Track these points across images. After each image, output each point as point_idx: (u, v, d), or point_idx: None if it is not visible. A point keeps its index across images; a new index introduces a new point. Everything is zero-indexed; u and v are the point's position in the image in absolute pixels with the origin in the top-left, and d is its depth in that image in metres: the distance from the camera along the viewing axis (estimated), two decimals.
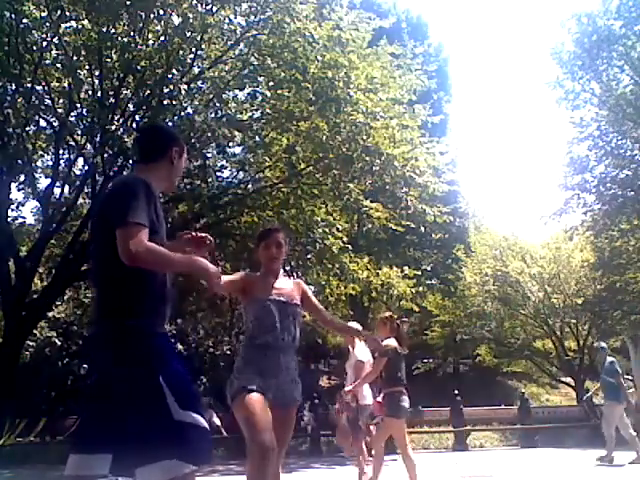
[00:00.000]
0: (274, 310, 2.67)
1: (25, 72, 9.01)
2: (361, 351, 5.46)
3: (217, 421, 10.89)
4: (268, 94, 9.60)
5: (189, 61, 9.36)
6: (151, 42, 9.19)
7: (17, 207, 10.76)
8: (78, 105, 9.63)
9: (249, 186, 11.11)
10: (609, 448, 7.84)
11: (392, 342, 4.84)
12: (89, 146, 10.00)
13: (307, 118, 9.40)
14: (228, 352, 18.47)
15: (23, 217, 11.26)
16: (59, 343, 14.92)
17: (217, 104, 9.56)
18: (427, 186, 9.75)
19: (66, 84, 9.37)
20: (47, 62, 9.12)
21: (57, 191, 10.52)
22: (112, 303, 1.99)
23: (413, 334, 22.39)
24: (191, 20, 8.46)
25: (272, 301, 2.69)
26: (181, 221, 11.09)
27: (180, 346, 18.39)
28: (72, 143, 10.18)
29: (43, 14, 8.46)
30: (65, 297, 13.67)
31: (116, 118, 9.17)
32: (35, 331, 12.78)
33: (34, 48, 8.92)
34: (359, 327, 4.26)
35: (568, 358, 18.56)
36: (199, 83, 9.89)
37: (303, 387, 2.81)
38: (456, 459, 8.59)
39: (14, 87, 8.90)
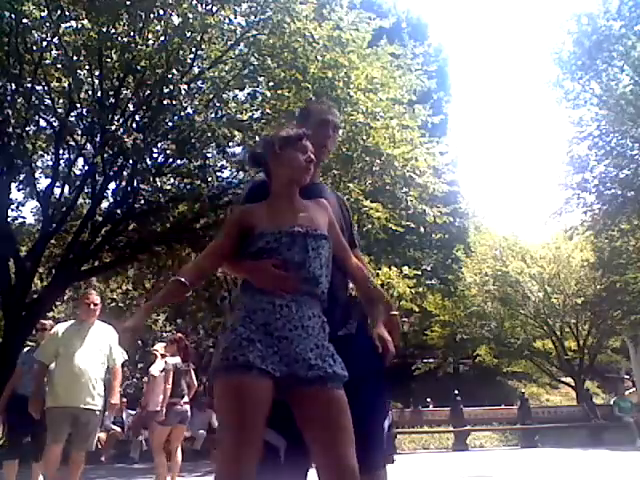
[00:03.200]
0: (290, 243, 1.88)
1: (25, 72, 9.00)
2: (157, 366, 6.17)
3: (216, 422, 10.87)
4: (268, 94, 9.58)
5: (189, 61, 9.36)
6: (151, 42, 9.18)
7: (17, 207, 10.75)
8: (78, 105, 9.62)
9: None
10: None
11: (175, 359, 5.83)
12: (89, 146, 10.00)
13: None
14: None
15: (23, 217, 11.25)
16: None
17: (217, 104, 9.56)
18: (427, 186, 9.74)
19: (66, 84, 9.37)
20: (47, 62, 9.11)
21: (57, 191, 10.52)
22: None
23: (413, 334, 22.40)
24: (191, 20, 8.45)
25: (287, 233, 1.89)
26: (181, 221, 11.10)
27: None
28: (72, 143, 10.18)
29: (43, 14, 8.46)
30: (65, 297, 13.66)
31: (116, 118, 9.16)
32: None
33: (34, 48, 8.91)
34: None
35: (568, 358, 18.55)
36: (199, 83, 9.89)
37: None
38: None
39: (14, 87, 8.89)
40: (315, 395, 1.73)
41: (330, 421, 1.72)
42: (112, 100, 9.48)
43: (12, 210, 10.47)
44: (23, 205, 11.05)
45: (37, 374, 4.64)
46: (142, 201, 10.53)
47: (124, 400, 11.38)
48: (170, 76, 8.92)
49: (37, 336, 5.65)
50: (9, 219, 10.25)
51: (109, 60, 9.16)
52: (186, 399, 5.96)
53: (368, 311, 2.13)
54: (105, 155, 9.65)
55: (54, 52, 8.98)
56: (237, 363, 1.69)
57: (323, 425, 1.72)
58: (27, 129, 9.31)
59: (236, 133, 9.74)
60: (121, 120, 9.24)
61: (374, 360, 2.05)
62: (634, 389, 18.76)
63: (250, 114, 10.37)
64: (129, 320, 1.85)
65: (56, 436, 4.26)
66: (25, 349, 5.71)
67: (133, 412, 11.27)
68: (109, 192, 10.74)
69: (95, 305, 4.56)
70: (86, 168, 10.40)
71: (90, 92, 9.54)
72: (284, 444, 1.89)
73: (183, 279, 1.83)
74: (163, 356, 6.24)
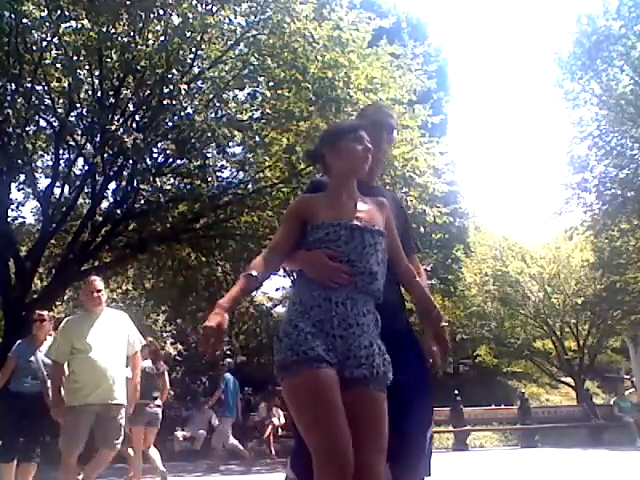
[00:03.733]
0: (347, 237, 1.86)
1: (25, 72, 8.99)
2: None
3: (217, 422, 10.88)
4: (268, 94, 9.58)
5: (189, 61, 9.35)
6: (151, 42, 9.17)
7: (17, 207, 10.73)
8: (78, 105, 9.62)
9: (249, 186, 11.10)
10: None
11: (146, 363, 6.10)
12: (89, 146, 9.99)
13: (307, 118, 9.39)
14: (228, 352, 18.45)
15: (23, 217, 11.22)
16: None
17: (217, 104, 9.55)
18: (427, 186, 9.74)
19: (66, 84, 9.36)
20: (47, 62, 9.10)
21: (57, 191, 10.51)
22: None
23: None
24: (191, 20, 8.44)
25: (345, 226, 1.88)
26: (181, 221, 11.09)
27: (180, 346, 18.42)
28: (72, 143, 10.17)
29: (43, 14, 8.45)
30: (65, 297, 13.66)
31: (116, 118, 9.15)
32: None
33: (34, 48, 8.90)
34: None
35: (568, 358, 18.56)
36: (199, 83, 9.88)
37: None
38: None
39: (14, 87, 8.88)
40: (355, 394, 1.73)
41: (363, 422, 1.71)
42: (112, 100, 9.47)
43: (12, 210, 10.46)
44: (23, 205, 11.06)
45: (55, 375, 4.25)
46: (142, 201, 10.51)
47: None
48: (170, 76, 8.92)
49: (34, 327, 5.19)
50: (9, 219, 10.24)
51: (109, 60, 9.15)
52: (158, 402, 6.26)
53: (420, 320, 2.11)
54: (105, 155, 9.63)
55: (54, 52, 8.96)
56: (308, 357, 1.69)
57: (356, 424, 1.70)
58: (27, 129, 9.30)
59: (236, 133, 9.73)
60: (121, 120, 9.23)
61: (422, 362, 2.05)
62: (634, 389, 18.75)
63: (250, 114, 10.36)
64: (208, 320, 1.77)
65: (75, 442, 3.95)
66: (18, 341, 5.26)
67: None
68: (109, 192, 10.75)
69: (99, 292, 4.25)
70: (86, 168, 10.39)
71: (90, 92, 9.53)
72: None
73: (254, 273, 1.84)
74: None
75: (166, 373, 6.60)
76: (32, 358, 4.98)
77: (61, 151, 10.23)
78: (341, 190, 1.95)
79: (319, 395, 1.67)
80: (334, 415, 1.65)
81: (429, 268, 17.87)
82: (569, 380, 19.50)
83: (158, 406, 6.22)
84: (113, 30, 8.69)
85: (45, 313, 5.31)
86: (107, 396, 4.00)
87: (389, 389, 1.80)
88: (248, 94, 10.18)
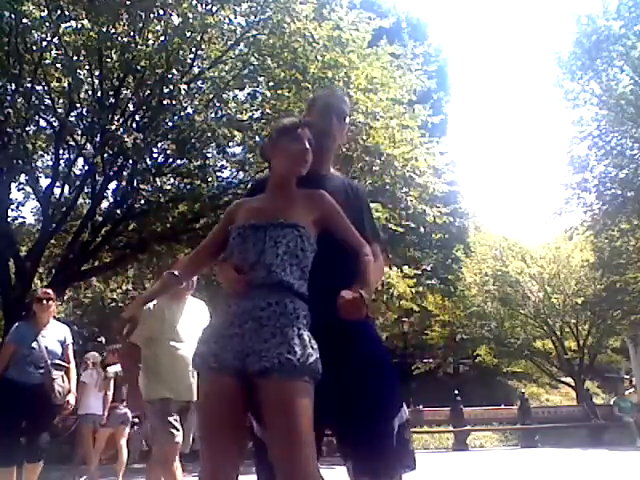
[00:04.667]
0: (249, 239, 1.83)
1: (25, 72, 9.00)
2: (88, 373, 6.88)
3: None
4: (268, 94, 9.59)
5: (189, 61, 9.36)
6: (151, 42, 9.18)
7: (17, 207, 10.74)
8: (78, 105, 9.62)
9: (249, 186, 11.09)
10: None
11: (116, 367, 6.37)
12: (89, 146, 9.99)
13: None
14: None
15: (23, 217, 11.24)
16: None
17: (217, 104, 9.56)
18: (427, 186, 9.74)
19: (66, 84, 9.36)
20: (47, 62, 9.10)
21: (57, 191, 10.51)
22: None
23: (413, 334, 22.40)
24: (191, 20, 8.45)
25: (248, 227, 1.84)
26: (181, 221, 11.10)
27: None
28: (72, 143, 10.17)
29: (43, 14, 8.45)
30: (65, 297, 13.65)
31: (116, 118, 9.16)
32: None
33: (34, 48, 8.90)
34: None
35: (568, 358, 18.56)
36: (199, 83, 9.89)
37: None
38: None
39: (14, 87, 8.89)
40: (264, 387, 1.66)
41: (273, 413, 1.65)
42: (112, 100, 9.47)
43: (12, 210, 10.46)
44: (23, 205, 11.07)
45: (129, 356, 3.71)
46: (142, 201, 10.52)
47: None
48: (170, 76, 8.92)
49: (37, 308, 4.60)
50: (9, 219, 10.24)
51: (109, 60, 9.15)
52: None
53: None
54: (105, 155, 9.64)
55: (54, 52, 8.96)
56: (194, 365, 1.82)
57: (268, 417, 1.66)
58: (27, 129, 9.30)
59: (236, 133, 9.73)
60: (121, 120, 9.23)
61: (380, 352, 1.97)
62: (634, 389, 18.77)
63: (250, 114, 10.36)
64: (125, 311, 1.95)
65: (174, 431, 3.39)
66: (17, 323, 4.70)
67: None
68: (109, 192, 10.76)
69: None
70: (86, 168, 10.39)
71: (90, 92, 9.54)
72: None
73: (176, 272, 1.93)
74: (94, 364, 6.99)
75: None
76: (34, 344, 4.39)
77: (61, 151, 10.23)
78: (276, 189, 1.93)
79: (200, 401, 1.84)
80: (209, 422, 1.73)
81: (429, 268, 17.92)
82: (569, 380, 19.50)
83: (127, 407, 6.45)
84: (113, 30, 8.69)
85: (51, 292, 4.78)
86: (188, 394, 3.52)
87: (340, 379, 1.74)
88: (248, 94, 10.19)
